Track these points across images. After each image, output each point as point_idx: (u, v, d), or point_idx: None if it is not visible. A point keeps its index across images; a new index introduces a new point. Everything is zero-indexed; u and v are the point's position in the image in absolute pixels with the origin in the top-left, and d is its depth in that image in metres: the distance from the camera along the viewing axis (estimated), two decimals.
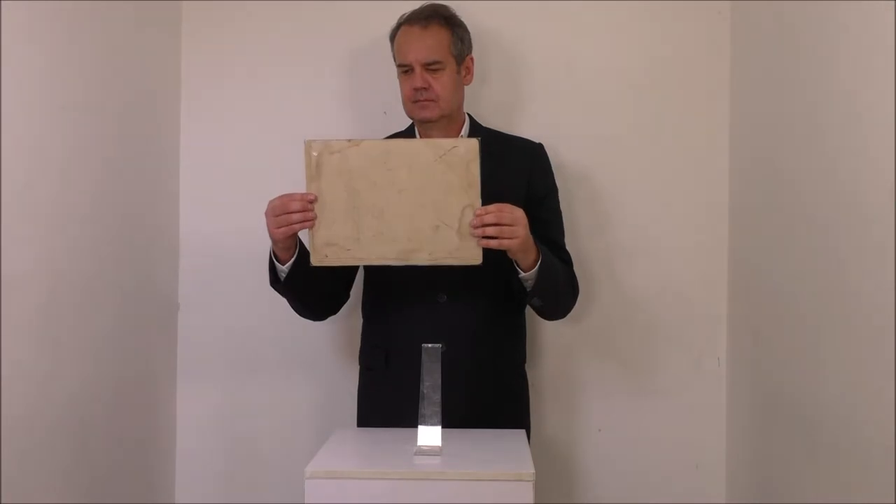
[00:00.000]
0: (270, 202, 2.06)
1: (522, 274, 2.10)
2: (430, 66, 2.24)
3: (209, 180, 2.68)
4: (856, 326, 1.86)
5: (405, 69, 2.26)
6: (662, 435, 2.66)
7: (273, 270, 2.18)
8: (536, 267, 2.08)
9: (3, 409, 1.84)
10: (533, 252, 2.07)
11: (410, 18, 2.28)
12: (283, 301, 2.24)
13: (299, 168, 2.62)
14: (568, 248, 2.34)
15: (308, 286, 2.19)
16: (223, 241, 2.68)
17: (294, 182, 2.62)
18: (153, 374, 2.58)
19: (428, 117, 2.27)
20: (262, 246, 2.63)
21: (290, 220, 2.02)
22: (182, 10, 2.68)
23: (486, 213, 1.97)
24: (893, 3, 1.69)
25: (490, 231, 1.97)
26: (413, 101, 2.25)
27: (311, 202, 2.01)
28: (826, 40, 2.02)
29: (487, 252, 2.00)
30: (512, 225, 1.99)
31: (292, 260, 2.12)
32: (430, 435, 1.88)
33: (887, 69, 1.70)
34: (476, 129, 2.36)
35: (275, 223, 2.04)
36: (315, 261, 2.03)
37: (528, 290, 2.13)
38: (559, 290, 2.21)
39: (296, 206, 2.01)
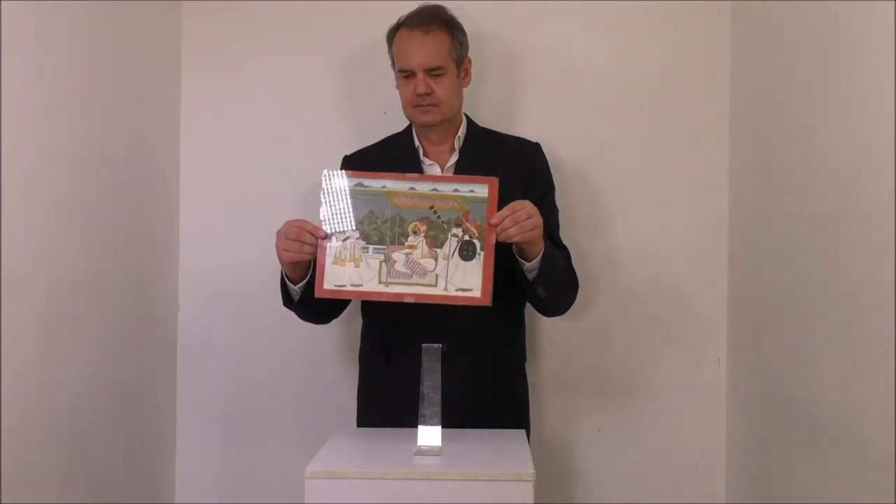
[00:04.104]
0: (286, 223, 2.05)
1: (526, 265, 2.10)
2: (433, 72, 2.23)
3: (209, 180, 2.68)
4: (856, 326, 1.86)
5: (406, 74, 2.25)
6: (662, 435, 2.66)
7: (285, 291, 2.17)
8: (539, 256, 2.09)
9: (4, 409, 1.84)
10: (541, 242, 2.08)
11: (410, 22, 2.27)
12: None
13: (299, 168, 2.65)
14: (566, 246, 2.34)
15: (322, 300, 2.19)
16: (223, 241, 2.68)
17: (293, 181, 2.64)
18: (153, 374, 2.58)
19: (430, 122, 2.27)
20: (262, 246, 2.64)
21: (302, 249, 2.03)
22: (182, 10, 2.68)
23: (502, 220, 1.98)
24: (893, 3, 1.69)
25: (512, 231, 1.99)
26: (415, 105, 2.25)
27: (323, 239, 2.01)
28: (826, 40, 2.02)
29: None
30: (529, 217, 2.01)
31: (305, 280, 2.11)
32: (430, 435, 1.88)
33: (887, 69, 1.70)
34: (473, 130, 2.36)
35: (285, 245, 2.04)
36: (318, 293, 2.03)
37: (531, 280, 2.13)
38: (561, 281, 2.21)
39: (309, 238, 2.02)
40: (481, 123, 2.41)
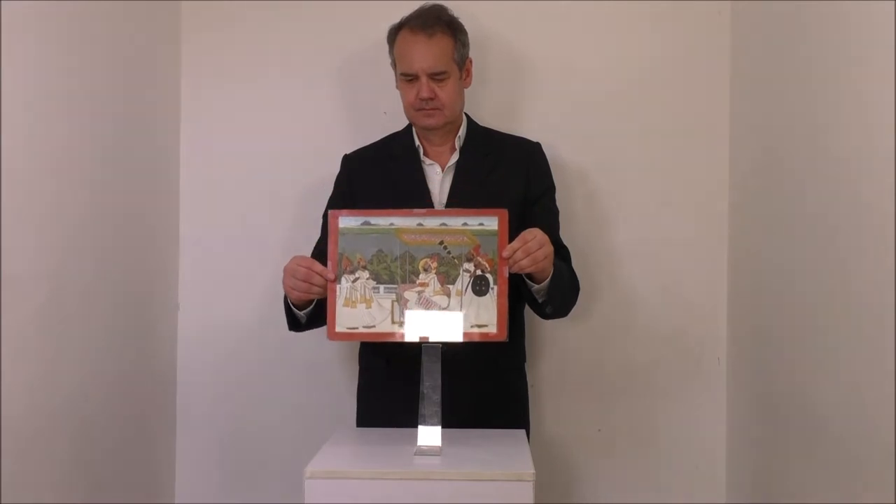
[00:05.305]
0: (295, 262, 2.02)
1: (535, 287, 2.10)
2: (436, 76, 2.22)
3: (209, 180, 2.68)
4: (856, 326, 1.86)
5: (409, 78, 2.25)
6: (662, 435, 2.66)
7: (290, 316, 2.17)
8: (549, 279, 2.08)
9: (3, 409, 1.84)
10: (551, 267, 2.07)
11: (413, 24, 2.25)
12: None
13: (299, 168, 2.65)
14: (566, 245, 2.34)
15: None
16: (223, 241, 2.68)
17: (293, 181, 2.64)
18: (153, 374, 2.58)
19: (434, 125, 2.27)
20: (262, 245, 2.65)
21: (311, 290, 2.01)
22: (182, 10, 2.68)
23: (514, 252, 1.95)
24: (893, 3, 1.69)
25: (524, 263, 1.97)
26: (417, 108, 2.25)
27: (332, 281, 1.98)
28: (826, 40, 2.02)
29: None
30: (541, 247, 1.98)
31: (311, 307, 2.11)
32: (430, 435, 1.88)
33: (887, 69, 1.70)
34: (473, 129, 2.36)
35: (293, 284, 2.02)
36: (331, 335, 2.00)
37: (539, 300, 2.14)
38: (567, 296, 2.22)
39: (318, 280, 1.99)
40: (482, 123, 2.41)
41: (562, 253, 2.27)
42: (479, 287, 1.96)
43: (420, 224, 1.98)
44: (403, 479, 1.74)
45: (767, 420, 2.36)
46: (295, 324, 2.18)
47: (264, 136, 2.68)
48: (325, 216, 2.35)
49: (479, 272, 1.96)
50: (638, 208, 2.65)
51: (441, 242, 1.97)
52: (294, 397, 2.68)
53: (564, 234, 2.35)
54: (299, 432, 2.63)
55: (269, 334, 2.65)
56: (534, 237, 1.98)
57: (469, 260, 1.96)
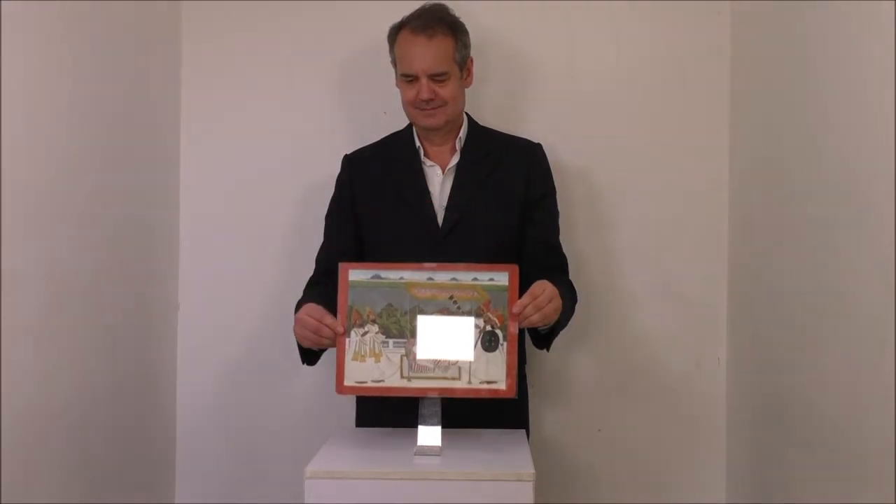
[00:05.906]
0: (307, 312, 2.02)
1: (542, 328, 2.11)
2: (436, 77, 2.22)
3: (209, 179, 2.68)
4: (856, 326, 1.86)
5: (409, 78, 2.24)
6: (662, 435, 2.66)
7: (303, 351, 2.17)
8: (555, 322, 2.08)
9: (3, 409, 1.84)
10: (560, 309, 2.06)
11: (413, 25, 2.24)
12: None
13: (298, 168, 2.65)
14: (565, 248, 2.34)
15: None
16: (223, 241, 2.68)
17: (294, 181, 2.64)
18: (153, 374, 2.58)
19: (434, 125, 2.26)
20: (262, 246, 2.64)
21: (320, 342, 2.02)
22: (182, 10, 2.68)
23: (525, 308, 1.94)
24: (893, 3, 1.70)
25: (534, 318, 1.96)
26: (418, 108, 2.25)
27: (342, 334, 1.97)
28: (826, 41, 2.02)
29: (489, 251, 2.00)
30: (550, 301, 1.98)
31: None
32: (430, 435, 1.88)
33: (887, 69, 1.70)
34: (474, 130, 2.35)
35: (303, 334, 2.04)
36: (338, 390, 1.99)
37: (542, 332, 2.15)
38: (568, 320, 2.22)
39: (328, 332, 1.99)
40: (483, 123, 2.41)
41: (559, 260, 2.27)
42: (489, 343, 1.94)
43: (430, 278, 1.97)
44: (403, 479, 1.74)
45: (767, 420, 2.36)
46: (308, 357, 2.18)
47: (264, 136, 2.68)
48: (327, 217, 2.36)
49: (488, 328, 1.95)
50: (638, 209, 2.65)
51: (451, 297, 1.96)
52: (294, 397, 2.68)
53: (564, 236, 2.36)
54: (299, 432, 2.63)
55: (268, 334, 2.65)
56: (543, 291, 1.98)
57: (479, 315, 1.95)
